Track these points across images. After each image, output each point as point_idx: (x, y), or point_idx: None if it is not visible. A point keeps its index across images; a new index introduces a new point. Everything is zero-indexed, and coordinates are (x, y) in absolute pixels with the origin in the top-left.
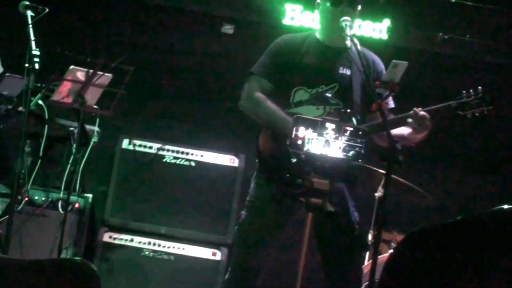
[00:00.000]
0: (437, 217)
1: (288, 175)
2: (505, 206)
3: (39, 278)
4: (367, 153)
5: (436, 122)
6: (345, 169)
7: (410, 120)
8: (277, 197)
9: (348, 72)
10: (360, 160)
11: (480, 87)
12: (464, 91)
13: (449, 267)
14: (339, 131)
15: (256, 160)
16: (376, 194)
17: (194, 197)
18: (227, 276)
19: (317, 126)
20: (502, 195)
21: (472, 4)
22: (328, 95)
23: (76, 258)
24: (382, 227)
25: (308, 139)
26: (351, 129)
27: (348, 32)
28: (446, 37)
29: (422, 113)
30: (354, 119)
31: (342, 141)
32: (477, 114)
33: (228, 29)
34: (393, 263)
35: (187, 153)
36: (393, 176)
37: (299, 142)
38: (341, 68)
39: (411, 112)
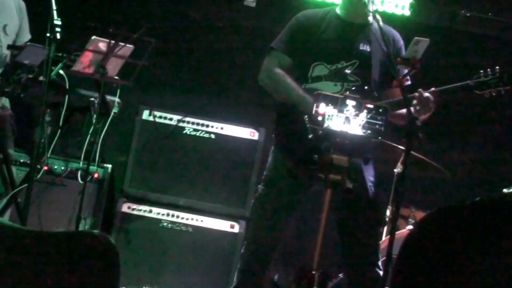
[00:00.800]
0: (455, 193)
1: (304, 151)
2: None
3: (57, 251)
4: (386, 130)
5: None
6: (364, 145)
7: (414, 101)
8: (293, 172)
9: (368, 48)
10: (380, 138)
11: (497, 67)
12: (481, 71)
13: (468, 248)
14: (360, 108)
15: (273, 135)
16: (394, 170)
17: (213, 170)
18: (243, 249)
19: (337, 102)
20: None
21: None
22: (347, 71)
23: (95, 231)
24: (400, 203)
25: (328, 115)
26: (372, 106)
27: (371, 8)
28: (468, 14)
29: (427, 94)
30: (372, 97)
31: (362, 118)
32: (494, 94)
33: (250, 2)
34: (411, 241)
35: (207, 126)
36: (412, 152)
37: (319, 118)
38: (361, 44)
39: (416, 93)
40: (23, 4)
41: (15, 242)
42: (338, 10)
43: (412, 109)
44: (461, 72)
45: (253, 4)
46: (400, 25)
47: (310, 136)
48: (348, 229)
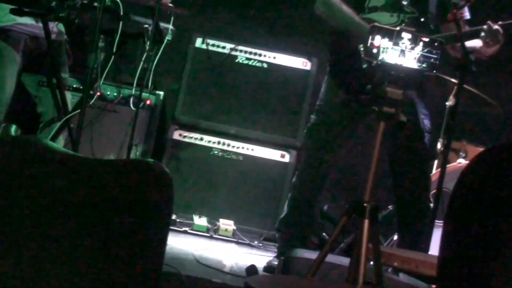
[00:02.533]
0: (506, 129)
1: (358, 81)
2: None
3: (112, 178)
4: (441, 64)
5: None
6: (418, 78)
7: (482, 33)
8: (346, 102)
9: None
10: (434, 71)
11: None
12: None
13: None
14: (415, 41)
15: (327, 64)
16: (447, 103)
17: (265, 99)
18: (294, 179)
19: (393, 35)
20: None
21: None
22: (404, 2)
23: (149, 159)
24: (451, 136)
25: (383, 48)
26: (427, 39)
27: None
28: None
29: (496, 27)
30: (428, 29)
31: (418, 51)
32: None
33: None
34: (466, 177)
35: (260, 55)
36: (465, 86)
37: (374, 50)
38: None
39: (485, 26)
40: None
41: (67, 169)
42: None
43: (481, 41)
44: None
45: None
46: None
47: (364, 67)
48: (400, 162)
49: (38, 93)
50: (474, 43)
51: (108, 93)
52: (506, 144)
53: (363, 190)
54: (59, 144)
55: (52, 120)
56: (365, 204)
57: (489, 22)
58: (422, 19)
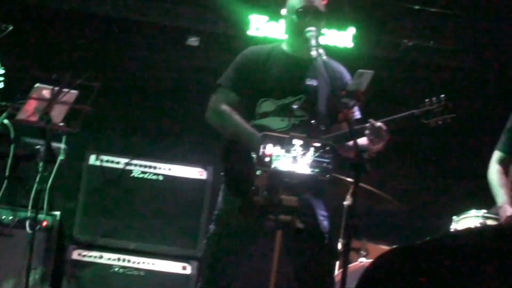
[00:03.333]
0: (405, 224)
1: (254, 188)
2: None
3: None
4: (334, 167)
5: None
6: (314, 182)
7: (367, 131)
8: (244, 210)
9: (314, 83)
10: (328, 175)
11: (442, 95)
12: (427, 99)
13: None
14: (306, 147)
15: (222, 173)
16: (344, 203)
17: (163, 211)
18: None
19: (284, 142)
20: (469, 198)
21: (435, 11)
22: (294, 106)
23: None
24: (351, 235)
25: (276, 156)
26: (318, 144)
27: (314, 42)
28: (410, 43)
29: (378, 124)
30: (319, 131)
31: (309, 157)
32: (440, 122)
33: (193, 41)
34: (368, 277)
35: (155, 167)
36: (361, 184)
37: (267, 159)
38: (308, 79)
39: (368, 124)
40: None
41: None
42: (284, 46)
43: (366, 139)
44: (406, 101)
45: (196, 43)
46: (344, 57)
47: (258, 173)
48: (301, 264)
49: None
50: (361, 141)
51: (4, 217)
52: (406, 246)
53: None
54: None
55: None
56: None
57: (370, 120)
58: (313, 121)
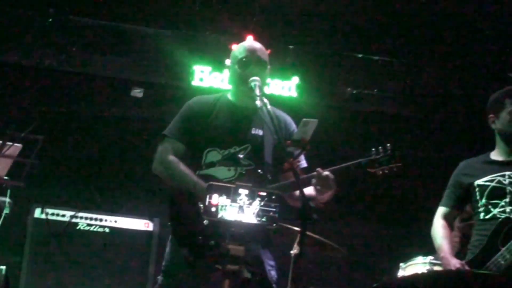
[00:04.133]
0: (352, 271)
1: (201, 238)
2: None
3: None
4: (281, 216)
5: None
6: (261, 231)
7: (313, 180)
8: (191, 260)
9: (260, 132)
10: (274, 224)
11: (388, 144)
12: (373, 148)
13: None
14: (253, 196)
15: (169, 223)
16: (291, 252)
17: (110, 264)
18: None
19: (230, 192)
20: (415, 246)
21: (379, 59)
22: (240, 156)
23: None
24: (299, 284)
25: (222, 205)
26: (264, 193)
27: (258, 92)
28: (355, 92)
29: (326, 173)
30: (265, 180)
31: (256, 206)
32: (386, 171)
33: (137, 92)
34: None
35: (101, 220)
36: (307, 232)
37: (213, 209)
38: (253, 128)
39: (314, 172)
40: None
41: None
42: (229, 96)
43: (313, 189)
44: (352, 149)
45: (140, 95)
46: (288, 107)
47: (205, 223)
48: None
49: None
50: (309, 190)
51: None
52: None
53: None
54: None
55: None
56: None
57: (318, 169)
58: (259, 171)
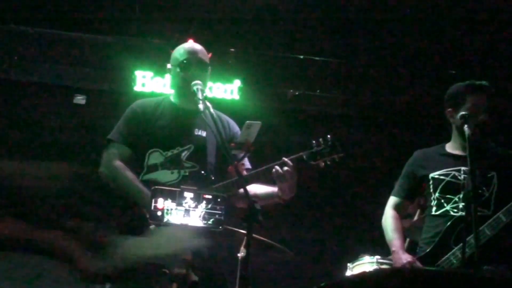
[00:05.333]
0: (299, 273)
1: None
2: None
3: None
4: (227, 219)
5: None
6: (208, 234)
7: (274, 170)
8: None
9: (203, 133)
10: (220, 227)
11: (329, 135)
12: (314, 141)
13: None
14: (198, 199)
15: (116, 230)
16: (238, 255)
17: None
18: None
19: (175, 196)
20: (362, 245)
21: (320, 59)
22: (183, 156)
23: None
24: (247, 287)
25: (167, 209)
26: (210, 196)
27: (200, 95)
28: (297, 93)
29: (284, 159)
30: (209, 181)
31: (202, 209)
32: (328, 163)
33: (80, 99)
34: None
35: None
36: (254, 235)
37: (159, 213)
38: (196, 129)
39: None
40: None
41: None
42: (172, 98)
43: (275, 186)
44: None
45: (83, 101)
46: (231, 109)
47: (151, 228)
48: None
49: None
50: (261, 189)
51: None
52: None
53: None
54: None
55: None
56: None
57: (284, 157)
58: (203, 172)
